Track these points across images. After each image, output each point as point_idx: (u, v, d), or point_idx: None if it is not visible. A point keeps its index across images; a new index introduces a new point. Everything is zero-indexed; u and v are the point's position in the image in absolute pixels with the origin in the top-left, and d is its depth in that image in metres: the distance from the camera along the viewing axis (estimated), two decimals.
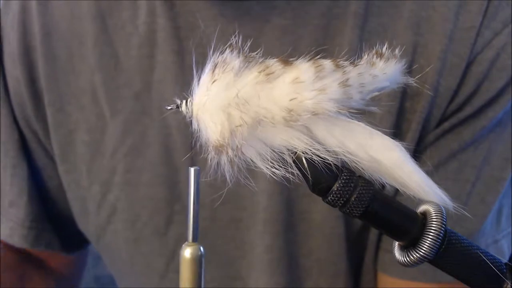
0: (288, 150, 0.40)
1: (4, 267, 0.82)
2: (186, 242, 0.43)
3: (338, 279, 0.75)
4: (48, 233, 0.85)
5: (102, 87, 0.75)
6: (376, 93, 0.41)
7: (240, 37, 0.40)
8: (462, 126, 0.70)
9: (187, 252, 0.42)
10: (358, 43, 0.68)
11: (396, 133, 0.69)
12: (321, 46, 0.67)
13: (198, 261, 0.42)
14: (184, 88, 0.41)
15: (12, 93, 0.79)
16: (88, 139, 0.77)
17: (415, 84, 0.43)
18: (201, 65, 0.40)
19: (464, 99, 0.68)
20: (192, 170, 0.42)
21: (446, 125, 0.70)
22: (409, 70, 0.43)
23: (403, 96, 0.69)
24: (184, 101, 0.41)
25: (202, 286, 0.42)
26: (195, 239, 0.42)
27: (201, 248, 0.42)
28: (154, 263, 0.79)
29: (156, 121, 0.74)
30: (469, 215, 0.44)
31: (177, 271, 0.42)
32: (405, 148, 0.41)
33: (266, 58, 0.40)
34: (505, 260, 0.42)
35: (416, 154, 0.69)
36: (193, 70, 0.41)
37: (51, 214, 0.85)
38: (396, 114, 0.69)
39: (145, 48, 0.73)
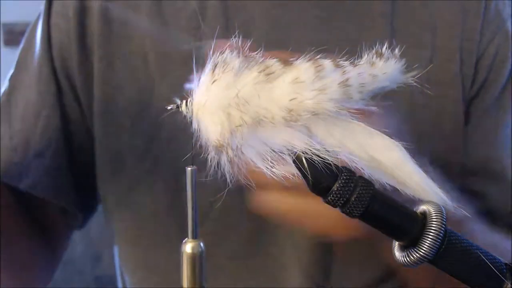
0: (288, 150, 0.40)
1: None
2: (186, 239, 0.43)
3: None
4: (68, 187, 0.85)
5: (152, 52, 0.79)
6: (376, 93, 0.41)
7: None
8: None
9: (188, 247, 0.43)
10: (387, 39, 0.72)
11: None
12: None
13: (198, 256, 0.43)
14: None
15: (57, 45, 0.82)
16: (137, 98, 0.80)
17: (414, 84, 0.43)
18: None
19: (478, 87, 0.81)
20: (188, 170, 0.43)
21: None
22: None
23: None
24: (184, 101, 0.41)
25: (203, 280, 0.43)
26: (195, 236, 0.43)
27: (201, 244, 0.43)
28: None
29: None
30: (469, 215, 0.44)
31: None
32: (405, 148, 0.41)
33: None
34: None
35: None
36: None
37: (73, 169, 0.86)
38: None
39: (194, 21, 0.78)
